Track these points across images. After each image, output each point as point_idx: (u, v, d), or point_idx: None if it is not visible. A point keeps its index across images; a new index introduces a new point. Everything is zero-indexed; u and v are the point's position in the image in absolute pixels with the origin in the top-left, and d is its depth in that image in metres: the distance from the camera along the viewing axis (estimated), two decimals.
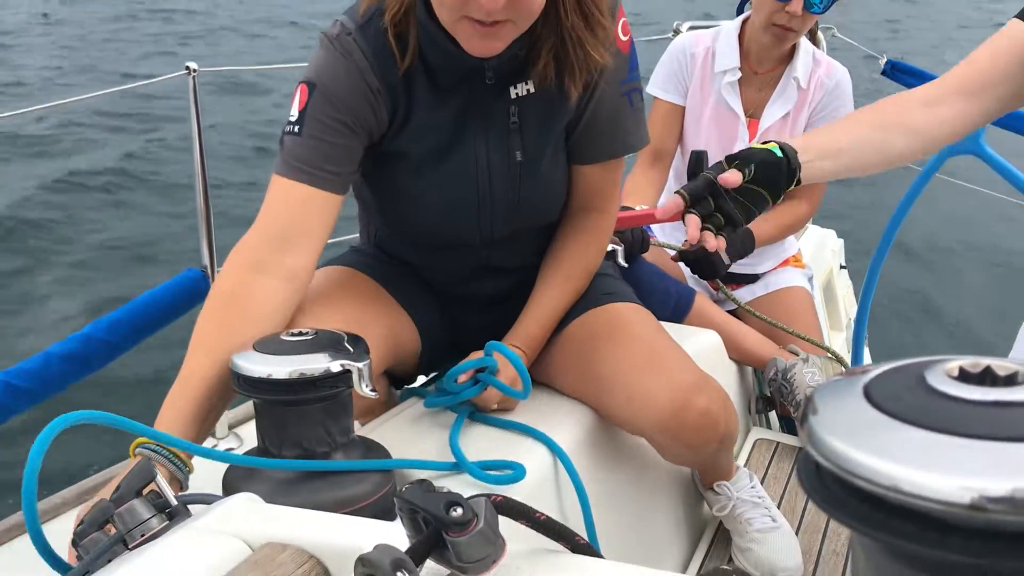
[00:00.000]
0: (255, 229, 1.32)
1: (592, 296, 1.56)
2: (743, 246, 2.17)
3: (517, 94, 1.39)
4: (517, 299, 1.54)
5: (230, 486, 1.15)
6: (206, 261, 2.13)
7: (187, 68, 2.08)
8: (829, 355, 2.24)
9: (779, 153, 1.30)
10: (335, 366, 1.15)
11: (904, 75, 3.26)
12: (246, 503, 0.87)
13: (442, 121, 1.40)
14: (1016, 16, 1.37)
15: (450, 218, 1.47)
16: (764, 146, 1.35)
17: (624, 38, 1.42)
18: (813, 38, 2.40)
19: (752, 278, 2.39)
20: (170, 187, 6.97)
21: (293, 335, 1.21)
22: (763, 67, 2.24)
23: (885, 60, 3.25)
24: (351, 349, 1.19)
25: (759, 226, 2.22)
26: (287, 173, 1.32)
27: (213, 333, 1.24)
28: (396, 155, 1.42)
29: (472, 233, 1.49)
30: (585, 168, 1.51)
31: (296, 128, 1.32)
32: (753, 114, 2.26)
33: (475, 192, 1.44)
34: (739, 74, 2.23)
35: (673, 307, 2.15)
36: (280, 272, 1.29)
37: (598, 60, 1.35)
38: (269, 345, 1.19)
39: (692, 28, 3.19)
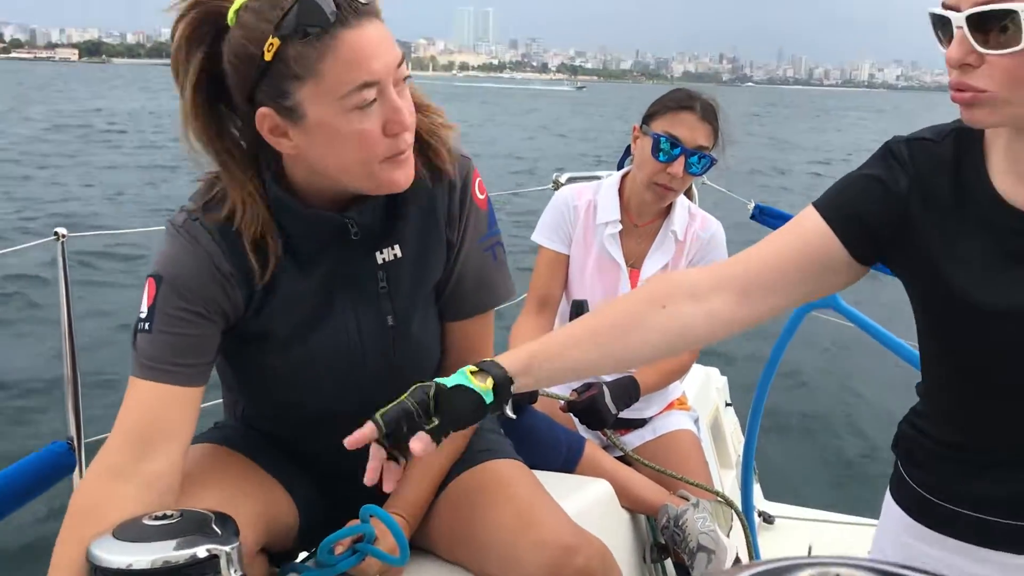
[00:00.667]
0: (113, 435, 1.25)
1: (469, 455, 1.53)
2: (628, 395, 2.20)
3: (384, 259, 1.39)
4: None
5: None
6: (72, 432, 2.02)
7: (56, 234, 2.02)
8: (719, 498, 2.25)
9: (489, 399, 1.12)
10: (201, 551, 1.09)
11: (772, 219, 3.44)
12: None
13: (307, 292, 1.37)
14: (815, 204, 1.22)
15: (323, 392, 1.43)
16: (480, 386, 1.13)
17: (481, 196, 1.46)
18: (688, 192, 2.53)
19: (640, 423, 2.41)
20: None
21: (156, 518, 1.14)
22: (643, 220, 2.34)
23: (753, 205, 3.43)
24: (219, 531, 1.13)
25: (643, 375, 2.26)
26: (141, 374, 1.27)
27: (73, 554, 1.14)
28: (260, 335, 1.38)
29: (347, 404, 1.40)
30: (456, 324, 1.52)
31: (146, 325, 1.27)
32: (634, 264, 2.33)
33: (348, 362, 1.41)
34: (620, 226, 2.31)
35: (564, 456, 2.14)
36: (139, 479, 1.22)
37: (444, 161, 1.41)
38: (130, 531, 1.12)
39: (571, 179, 3.32)
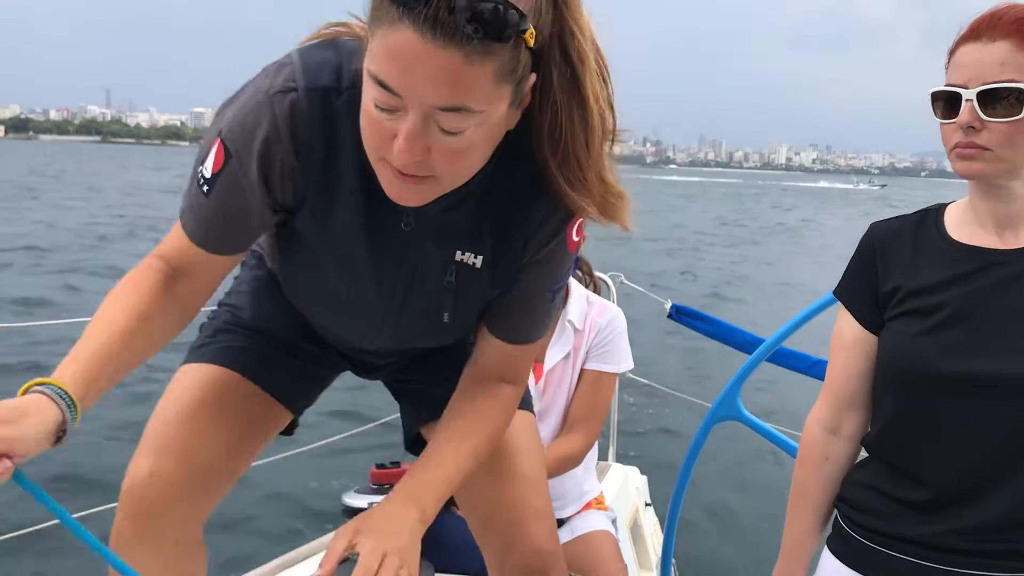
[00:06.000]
0: (158, 249, 1.28)
1: None
2: None
3: (462, 260, 1.28)
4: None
5: None
6: None
7: None
8: None
9: None
10: None
11: (688, 318, 3.50)
12: None
13: (362, 246, 1.28)
14: (835, 293, 1.53)
15: (340, 327, 1.45)
16: None
17: (576, 239, 1.31)
18: (592, 280, 2.55)
19: (556, 523, 2.37)
20: None
21: None
22: None
23: (670, 304, 3.48)
24: None
25: None
26: (188, 234, 1.25)
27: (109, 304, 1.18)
28: (303, 241, 1.30)
29: (363, 341, 1.46)
30: (491, 339, 1.38)
31: (205, 188, 1.21)
32: (537, 358, 2.33)
33: (375, 324, 1.39)
34: None
35: (481, 561, 2.08)
36: (170, 290, 1.24)
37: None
38: None
39: None
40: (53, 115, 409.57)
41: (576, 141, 1.13)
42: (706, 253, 22.99)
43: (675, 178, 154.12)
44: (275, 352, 1.50)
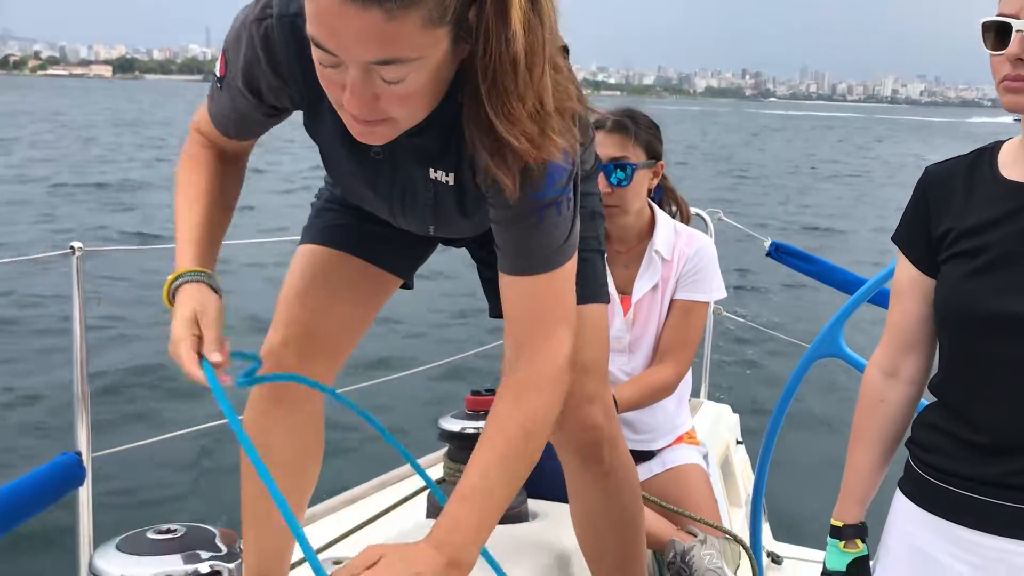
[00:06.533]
0: (196, 123, 1.42)
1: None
2: None
3: (435, 178, 1.33)
4: None
5: None
6: (82, 446, 2.03)
7: (71, 248, 2.03)
8: (727, 536, 2.23)
9: None
10: (203, 567, 1.10)
11: (788, 256, 3.44)
12: None
13: (350, 162, 1.36)
14: (892, 239, 1.49)
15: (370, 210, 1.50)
16: None
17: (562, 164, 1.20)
18: (680, 210, 2.53)
19: (648, 455, 2.39)
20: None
21: (160, 532, 1.15)
22: (625, 245, 2.33)
23: (769, 242, 3.42)
24: (222, 548, 1.14)
25: (621, 390, 2.20)
26: (212, 119, 1.38)
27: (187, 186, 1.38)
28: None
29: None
30: (509, 279, 1.27)
31: (219, 85, 1.34)
32: (624, 290, 2.33)
33: (388, 215, 1.46)
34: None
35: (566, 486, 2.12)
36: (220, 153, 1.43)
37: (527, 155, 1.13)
38: (134, 544, 1.13)
39: None
40: (156, 55, 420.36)
41: (503, 69, 1.07)
42: (809, 188, 22.36)
43: (775, 112, 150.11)
44: (375, 224, 1.57)
